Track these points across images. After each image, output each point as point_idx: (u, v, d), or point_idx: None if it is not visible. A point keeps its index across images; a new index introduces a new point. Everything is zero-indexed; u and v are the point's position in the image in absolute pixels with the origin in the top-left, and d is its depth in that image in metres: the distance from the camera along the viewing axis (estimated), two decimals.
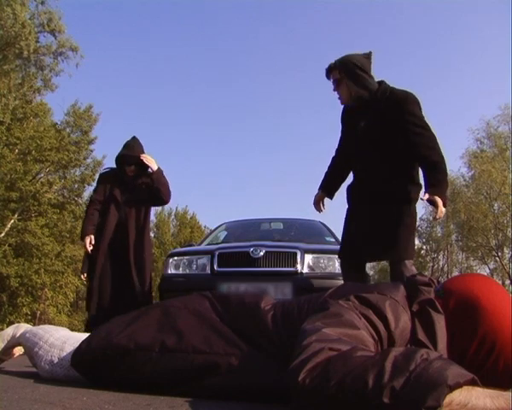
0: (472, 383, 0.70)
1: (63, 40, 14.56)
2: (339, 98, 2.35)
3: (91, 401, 0.99)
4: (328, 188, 2.65)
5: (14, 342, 1.52)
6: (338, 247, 2.61)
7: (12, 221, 15.39)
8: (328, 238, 4.25)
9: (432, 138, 2.20)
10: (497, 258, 20.49)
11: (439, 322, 0.96)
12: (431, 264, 24.79)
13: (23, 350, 1.51)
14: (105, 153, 21.85)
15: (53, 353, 1.29)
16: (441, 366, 0.70)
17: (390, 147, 2.23)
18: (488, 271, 20.97)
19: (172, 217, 28.90)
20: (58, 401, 0.99)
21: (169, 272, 3.69)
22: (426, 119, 2.25)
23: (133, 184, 3.31)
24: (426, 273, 1.25)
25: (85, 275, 3.40)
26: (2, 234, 14.98)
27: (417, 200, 2.28)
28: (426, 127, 2.21)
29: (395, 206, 2.23)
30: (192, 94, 41.97)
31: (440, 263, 25.27)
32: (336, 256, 2.80)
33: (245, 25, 43.23)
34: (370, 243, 2.27)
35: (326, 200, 2.66)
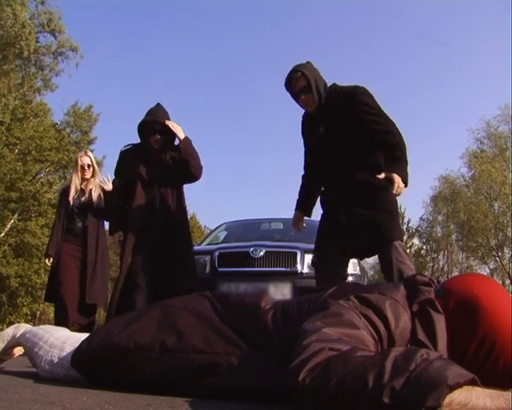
0: (472, 383, 0.70)
1: (63, 40, 14.58)
2: (305, 107, 2.37)
3: (91, 401, 0.99)
4: (304, 206, 2.67)
5: (14, 343, 1.52)
6: None
7: (12, 221, 15.39)
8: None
9: (386, 123, 2.22)
10: (497, 258, 20.49)
11: (439, 322, 0.96)
12: (431, 264, 24.79)
13: (23, 350, 1.51)
14: (105, 153, 21.83)
15: (53, 353, 1.29)
16: (441, 366, 0.70)
17: (351, 142, 2.25)
18: (488, 271, 20.97)
19: None
20: (58, 401, 0.99)
21: None
22: (381, 107, 2.28)
23: (159, 159, 2.85)
24: (426, 273, 1.25)
25: (50, 260, 3.46)
26: (2, 234, 14.98)
27: (386, 184, 2.23)
28: (379, 114, 2.24)
29: (369, 196, 2.22)
30: (192, 94, 42.01)
31: (440, 263, 25.28)
32: None
33: (245, 25, 43.23)
34: (352, 237, 2.23)
35: (305, 218, 2.71)
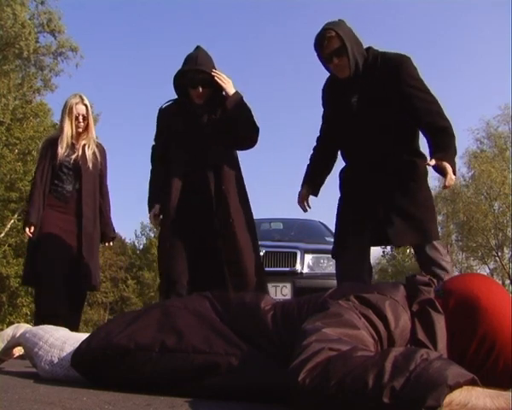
0: (472, 383, 0.70)
1: (63, 40, 14.59)
2: (337, 72, 2.05)
3: (91, 401, 0.98)
4: (312, 183, 2.33)
5: (13, 343, 1.52)
6: None
7: (12, 221, 15.38)
8: (328, 238, 4.25)
9: (435, 102, 1.96)
10: (497, 258, 20.49)
11: (439, 322, 0.96)
12: None
13: (23, 350, 1.51)
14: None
15: (53, 353, 1.29)
16: (441, 365, 0.70)
17: (390, 119, 1.98)
18: (488, 271, 20.97)
19: None
20: (58, 401, 0.99)
21: None
22: (426, 82, 2.01)
23: (204, 117, 2.28)
24: None
25: (31, 229, 2.70)
26: (2, 234, 14.98)
27: (427, 173, 2.03)
28: (427, 91, 1.98)
29: (405, 182, 1.97)
30: None
31: None
32: None
33: (245, 25, 43.23)
34: (383, 224, 1.97)
35: (311, 198, 2.36)
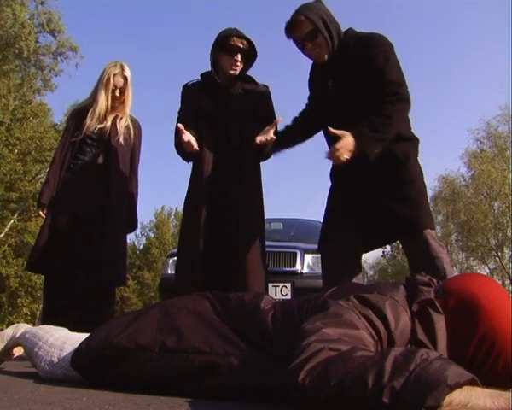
0: (472, 383, 0.70)
1: (63, 40, 14.60)
2: (314, 57, 1.94)
3: (91, 402, 0.98)
4: (280, 138, 2.14)
5: (13, 343, 1.52)
6: None
7: (12, 221, 15.39)
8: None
9: (398, 88, 1.79)
10: (497, 258, 20.49)
11: (439, 322, 0.96)
12: None
13: (23, 350, 1.51)
14: None
15: (53, 353, 1.29)
16: (441, 365, 0.70)
17: (365, 102, 1.82)
18: (488, 271, 20.97)
19: (172, 217, 28.90)
20: (58, 401, 0.99)
21: (169, 272, 3.69)
22: (399, 64, 1.86)
23: (231, 92, 2.15)
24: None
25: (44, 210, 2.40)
26: (2, 234, 14.98)
27: (417, 155, 1.88)
28: (395, 71, 1.81)
29: (392, 167, 1.80)
30: None
31: None
32: None
33: (245, 24, 43.23)
34: (374, 221, 1.82)
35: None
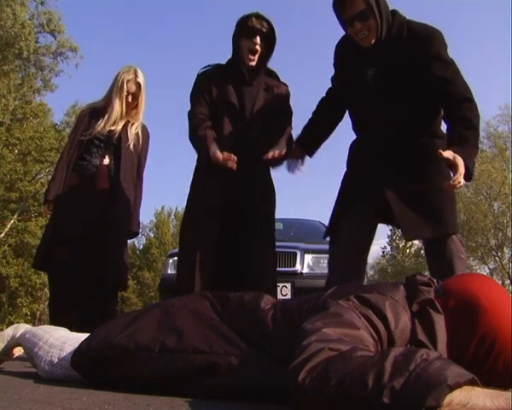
0: (472, 383, 0.70)
1: (63, 40, 14.61)
2: (358, 40, 1.74)
3: (91, 401, 0.98)
4: (308, 141, 2.03)
5: (13, 343, 1.52)
6: None
7: (12, 222, 15.39)
8: (328, 238, 4.25)
9: (465, 87, 1.70)
10: (497, 258, 20.48)
11: (439, 322, 0.96)
12: None
13: (23, 351, 1.51)
14: None
15: (53, 353, 1.29)
16: (441, 365, 0.70)
17: (410, 96, 1.74)
18: (488, 271, 20.97)
19: (172, 217, 28.93)
20: (58, 401, 0.99)
21: (169, 272, 3.69)
22: (456, 63, 1.73)
23: (255, 88, 2.08)
24: (426, 273, 1.24)
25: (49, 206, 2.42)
26: (2, 234, 14.99)
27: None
28: (457, 71, 1.72)
29: (421, 164, 1.73)
30: None
31: None
32: None
33: None
34: (393, 212, 1.73)
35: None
